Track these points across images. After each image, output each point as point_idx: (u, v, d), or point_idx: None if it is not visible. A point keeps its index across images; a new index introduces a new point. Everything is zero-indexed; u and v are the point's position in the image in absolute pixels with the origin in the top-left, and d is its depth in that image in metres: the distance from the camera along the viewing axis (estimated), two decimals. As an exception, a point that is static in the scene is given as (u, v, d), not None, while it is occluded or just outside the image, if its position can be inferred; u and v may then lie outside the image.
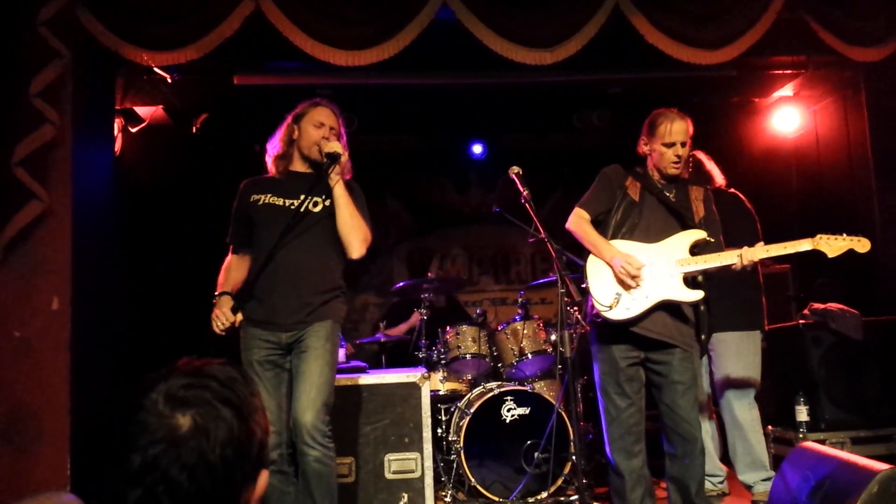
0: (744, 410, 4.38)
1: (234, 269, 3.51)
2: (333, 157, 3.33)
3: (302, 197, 3.33)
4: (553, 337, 5.12)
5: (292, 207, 3.34)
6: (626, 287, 3.38)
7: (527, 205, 3.50)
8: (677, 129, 3.51)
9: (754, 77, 5.96)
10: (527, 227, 3.57)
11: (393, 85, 5.73)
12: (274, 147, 3.52)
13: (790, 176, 6.72)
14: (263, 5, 4.31)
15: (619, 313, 3.38)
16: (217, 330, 3.29)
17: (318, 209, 3.37)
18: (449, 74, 5.67)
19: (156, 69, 4.93)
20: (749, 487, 4.39)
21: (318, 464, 3.16)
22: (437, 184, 7.77)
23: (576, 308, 5.06)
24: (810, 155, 6.46)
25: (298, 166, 3.50)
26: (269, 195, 3.42)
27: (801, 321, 4.97)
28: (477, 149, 7.29)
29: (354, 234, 3.35)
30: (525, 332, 5.11)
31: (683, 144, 3.53)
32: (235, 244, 3.56)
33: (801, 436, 4.63)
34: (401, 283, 5.57)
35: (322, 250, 3.37)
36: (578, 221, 3.55)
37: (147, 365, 1.31)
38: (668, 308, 3.42)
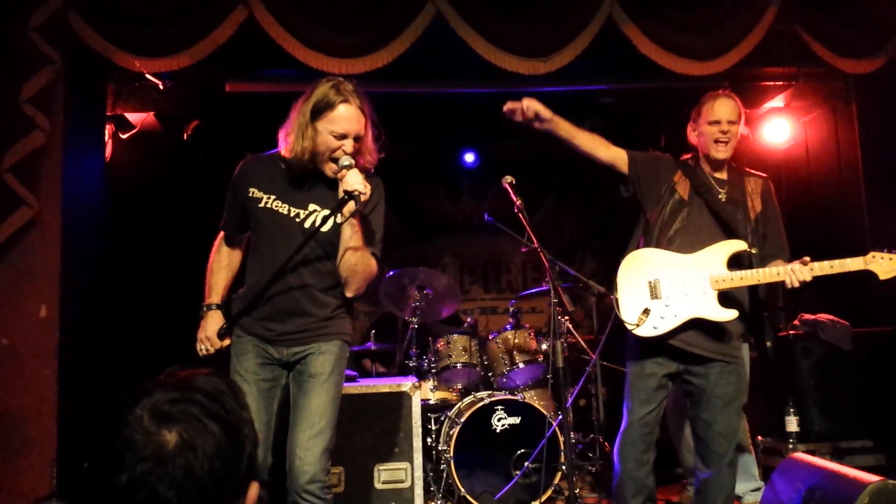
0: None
1: (224, 267, 3.17)
2: (351, 196, 2.77)
3: (311, 208, 2.96)
4: (544, 346, 5.11)
5: (297, 220, 2.95)
6: (675, 289, 3.22)
7: (520, 214, 3.46)
8: (721, 105, 3.35)
9: (745, 88, 5.98)
10: (518, 237, 3.54)
11: (385, 92, 5.73)
12: (287, 138, 2.95)
13: (780, 187, 6.70)
14: (257, 12, 4.31)
15: (645, 331, 3.23)
16: (200, 354, 2.96)
17: (327, 229, 2.93)
18: (442, 83, 5.68)
19: (147, 76, 4.92)
20: (739, 498, 4.39)
21: None
22: (429, 192, 7.77)
23: (567, 317, 5.06)
24: (800, 166, 6.49)
25: (309, 163, 2.95)
26: (272, 197, 2.97)
27: (791, 332, 4.99)
28: (469, 157, 7.30)
29: (355, 279, 2.94)
30: (516, 341, 5.10)
31: (731, 123, 3.35)
32: (228, 232, 3.18)
33: (790, 446, 4.63)
34: (391, 273, 5.47)
35: (328, 265, 2.98)
36: (604, 141, 3.43)
37: (135, 374, 1.29)
38: (706, 323, 3.23)
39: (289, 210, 2.97)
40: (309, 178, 2.99)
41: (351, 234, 2.87)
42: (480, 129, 6.92)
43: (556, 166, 7.43)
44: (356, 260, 2.90)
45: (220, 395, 1.21)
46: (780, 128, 6.48)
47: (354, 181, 2.78)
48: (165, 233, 5.94)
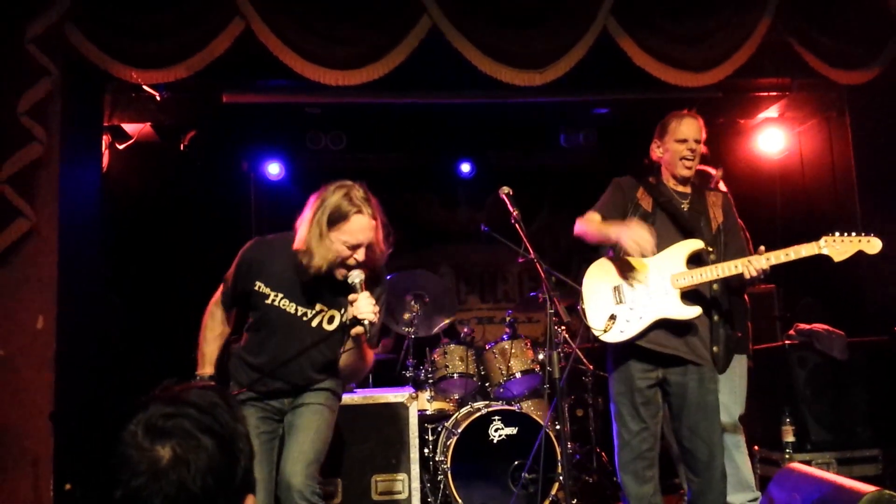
0: (729, 431, 4.38)
1: (217, 336, 3.20)
2: (360, 323, 2.86)
3: (317, 308, 3.09)
4: (541, 356, 5.12)
5: (304, 319, 3.08)
6: (638, 293, 3.28)
7: (517, 225, 3.47)
8: (688, 125, 3.45)
9: (739, 99, 6.03)
10: (515, 247, 3.55)
11: (382, 103, 5.75)
12: (301, 238, 3.00)
13: (775, 197, 6.77)
14: (254, 24, 4.33)
15: (613, 336, 3.29)
16: None
17: (332, 326, 3.10)
18: (438, 93, 5.70)
19: (144, 87, 4.93)
20: (736, 508, 4.39)
21: None
22: (425, 201, 7.77)
23: (563, 328, 5.06)
24: (795, 176, 6.52)
25: (326, 273, 3.00)
26: (279, 295, 3.07)
27: (786, 342, 4.99)
28: (465, 167, 7.31)
29: (353, 378, 3.30)
30: (513, 351, 5.10)
31: (697, 141, 3.44)
32: (225, 303, 3.21)
33: (787, 456, 4.63)
34: (389, 276, 5.50)
35: (330, 351, 3.13)
36: (587, 221, 3.46)
37: (133, 384, 1.31)
38: (673, 322, 3.28)
39: (296, 309, 3.08)
40: (315, 277, 3.01)
41: (356, 348, 3.03)
42: (477, 139, 6.95)
43: (552, 176, 7.46)
44: (358, 367, 3.13)
45: (214, 409, 1.22)
46: (774, 138, 6.52)
47: (365, 310, 2.84)
48: (162, 243, 5.95)
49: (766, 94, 5.95)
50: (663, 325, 3.28)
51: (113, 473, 1.15)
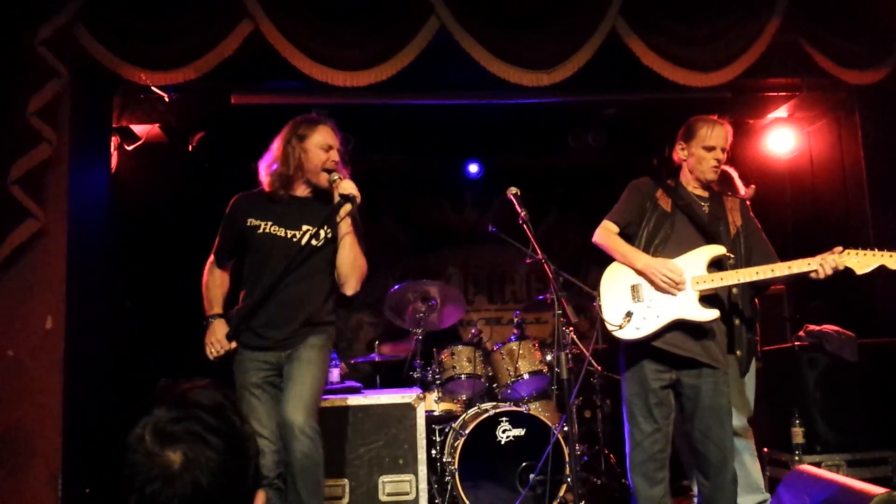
0: (738, 433, 4.36)
1: (218, 286, 3.55)
2: (348, 199, 3.30)
3: (304, 228, 3.38)
4: (549, 357, 5.10)
5: (293, 240, 3.37)
6: (656, 292, 3.30)
7: (524, 226, 3.48)
8: (718, 133, 3.49)
9: (749, 98, 6.00)
10: (523, 248, 3.56)
11: (390, 104, 5.75)
12: (272, 167, 3.45)
13: (785, 197, 6.74)
14: (262, 26, 4.33)
15: (628, 333, 3.30)
16: (211, 357, 3.34)
17: (320, 243, 3.38)
18: (446, 94, 5.69)
19: (153, 88, 4.93)
20: (745, 510, 4.37)
21: (304, 458, 3.14)
22: (433, 203, 7.76)
23: (571, 329, 5.06)
24: (805, 176, 6.48)
25: (299, 189, 3.47)
26: (268, 223, 3.40)
27: (796, 343, 4.96)
28: (473, 168, 7.30)
29: (354, 274, 3.37)
30: (520, 352, 5.09)
31: (723, 150, 3.49)
32: (221, 260, 3.57)
33: (796, 458, 4.61)
34: (396, 287, 5.53)
35: (320, 280, 3.40)
36: (606, 234, 3.49)
37: (142, 385, 1.31)
38: (690, 324, 3.30)
39: (285, 233, 3.39)
40: (298, 204, 3.44)
41: (348, 232, 3.33)
42: (485, 141, 6.93)
43: (560, 177, 7.44)
44: (354, 255, 3.35)
45: (221, 409, 1.22)
46: (784, 138, 6.48)
47: (350, 186, 3.31)
48: (170, 244, 5.96)
49: (775, 94, 5.92)
50: (680, 326, 3.29)
51: (124, 481, 1.15)
